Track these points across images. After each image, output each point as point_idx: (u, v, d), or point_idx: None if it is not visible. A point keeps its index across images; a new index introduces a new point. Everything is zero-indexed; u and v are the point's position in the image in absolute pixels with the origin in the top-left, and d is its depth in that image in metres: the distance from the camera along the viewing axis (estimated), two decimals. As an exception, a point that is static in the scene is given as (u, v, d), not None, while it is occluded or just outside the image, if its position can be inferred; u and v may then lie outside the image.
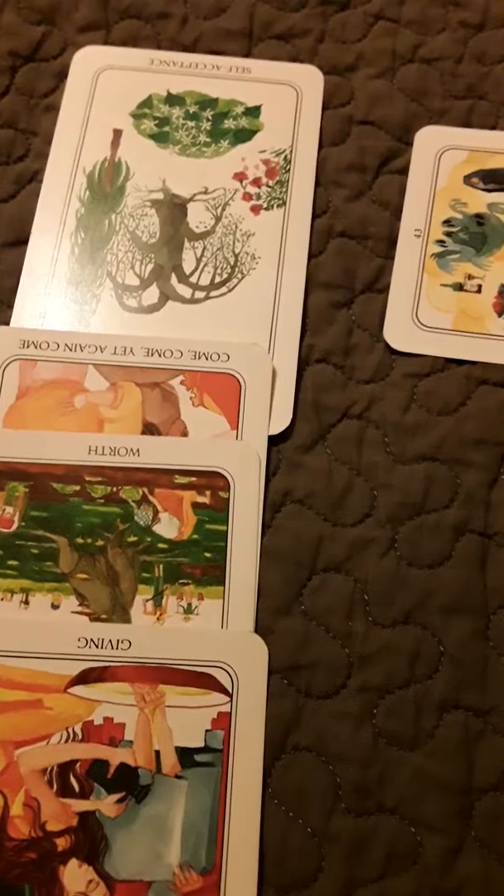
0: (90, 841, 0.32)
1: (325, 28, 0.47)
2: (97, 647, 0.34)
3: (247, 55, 0.46)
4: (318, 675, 0.34)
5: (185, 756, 0.33)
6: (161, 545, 0.36)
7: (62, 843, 0.32)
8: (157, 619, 0.35)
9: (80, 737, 0.33)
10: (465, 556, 0.36)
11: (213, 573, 0.35)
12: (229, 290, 0.41)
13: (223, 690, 0.33)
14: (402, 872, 0.32)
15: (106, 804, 0.32)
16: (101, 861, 0.31)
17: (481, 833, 0.33)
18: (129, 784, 0.32)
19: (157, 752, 0.33)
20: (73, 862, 0.31)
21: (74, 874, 0.31)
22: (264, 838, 0.32)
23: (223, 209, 0.42)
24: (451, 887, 0.32)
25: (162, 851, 0.32)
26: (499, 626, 0.35)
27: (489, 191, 0.43)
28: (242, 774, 0.32)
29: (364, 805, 0.33)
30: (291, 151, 0.44)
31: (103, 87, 0.45)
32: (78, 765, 0.32)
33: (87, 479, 0.36)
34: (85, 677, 0.33)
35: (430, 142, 0.44)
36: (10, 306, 0.40)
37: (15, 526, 0.36)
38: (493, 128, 0.45)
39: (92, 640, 0.34)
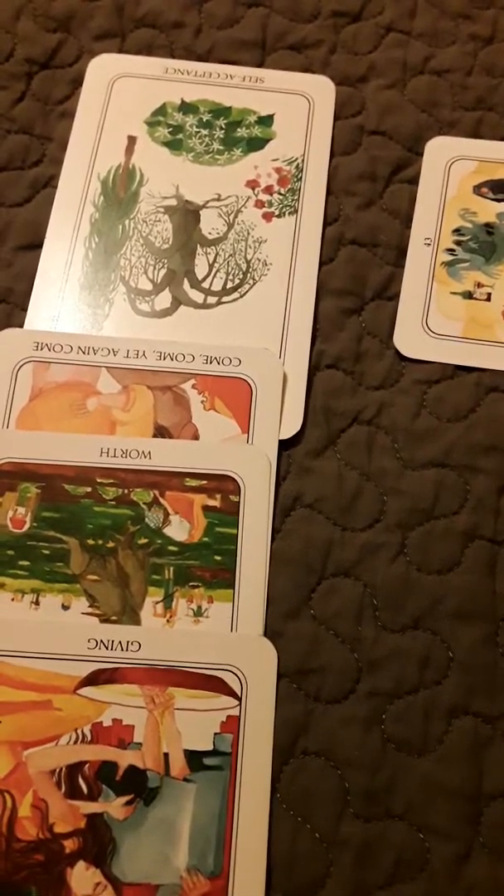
0: (98, 843, 0.32)
1: (337, 39, 0.48)
2: (107, 648, 0.34)
3: (260, 65, 0.47)
4: (327, 680, 0.34)
5: (194, 759, 0.33)
6: (171, 548, 0.36)
7: (70, 845, 0.32)
8: (167, 621, 0.35)
9: (89, 738, 0.33)
10: (475, 563, 0.36)
11: (222, 576, 0.35)
12: (241, 296, 0.41)
13: (232, 694, 0.33)
14: (410, 879, 0.32)
15: (114, 806, 0.32)
16: (109, 864, 0.31)
17: (489, 839, 0.33)
18: (138, 786, 0.32)
19: (166, 755, 0.33)
20: (81, 864, 0.31)
21: (82, 876, 0.31)
22: (272, 843, 0.32)
23: (235, 216, 0.43)
24: (459, 894, 0.32)
25: (170, 855, 0.32)
26: (507, 632, 0.35)
27: (498, 200, 0.43)
28: (251, 778, 0.32)
29: (372, 810, 0.33)
30: (303, 160, 0.44)
31: (118, 94, 0.46)
32: (87, 766, 0.32)
33: (99, 480, 0.37)
34: (94, 679, 0.33)
35: (441, 152, 0.45)
36: (25, 309, 0.40)
37: (27, 526, 0.36)
38: (502, 139, 0.45)
39: (102, 641, 0.34)
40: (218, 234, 0.42)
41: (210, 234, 0.42)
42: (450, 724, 0.34)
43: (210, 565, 0.36)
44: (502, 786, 0.33)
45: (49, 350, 0.39)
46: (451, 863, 0.32)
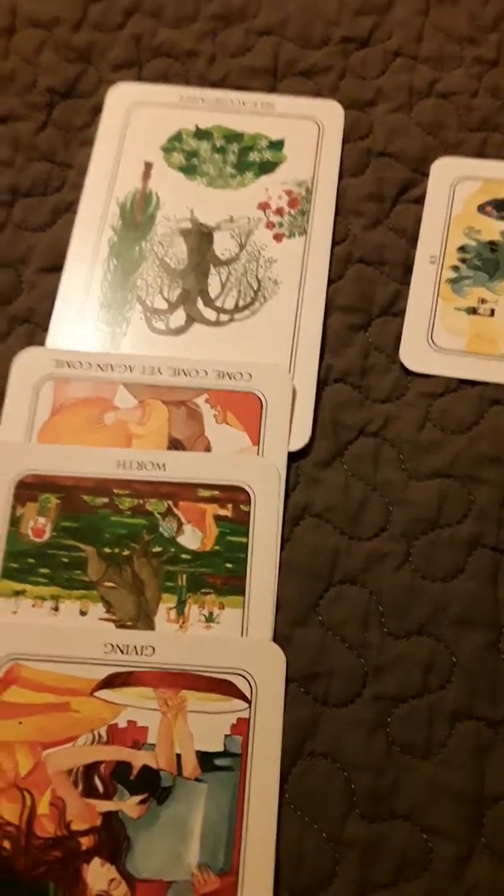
0: (113, 840, 0.33)
1: (346, 65, 0.49)
2: (123, 652, 0.35)
3: (271, 91, 0.48)
4: (334, 684, 0.35)
5: (206, 760, 0.34)
6: (184, 556, 0.37)
7: (86, 842, 0.33)
8: (180, 626, 0.36)
9: (105, 739, 0.34)
10: (478, 571, 0.37)
11: (233, 583, 0.37)
12: (252, 314, 0.42)
13: (242, 697, 0.34)
14: (414, 878, 0.33)
15: (129, 805, 0.33)
16: (123, 860, 0.32)
17: (491, 841, 0.33)
18: (152, 786, 0.33)
19: (179, 756, 0.34)
20: (96, 861, 0.33)
21: (97, 873, 0.32)
22: (280, 842, 0.33)
23: (247, 237, 0.44)
24: (461, 893, 0.33)
25: (182, 852, 0.33)
26: (511, 639, 0.36)
27: (502, 219, 0.44)
28: (260, 779, 0.33)
29: (377, 811, 0.34)
30: (313, 182, 0.46)
31: (136, 122, 0.47)
32: (102, 766, 0.34)
33: (116, 491, 0.38)
34: (111, 682, 0.35)
35: (446, 172, 0.46)
36: (46, 328, 0.42)
37: (47, 535, 0.38)
38: (507, 159, 0.46)
39: (118, 646, 0.35)
40: (230, 254, 0.44)
41: (223, 254, 0.44)
42: (453, 727, 0.35)
43: (221, 573, 0.37)
44: (505, 789, 0.34)
45: (69, 367, 0.41)
46: (453, 863, 0.33)
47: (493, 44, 0.49)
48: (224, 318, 0.42)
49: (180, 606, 0.36)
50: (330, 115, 0.47)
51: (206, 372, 0.40)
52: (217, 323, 0.42)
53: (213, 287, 0.43)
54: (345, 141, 0.47)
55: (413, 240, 0.44)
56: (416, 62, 0.49)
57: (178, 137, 0.47)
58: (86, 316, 0.42)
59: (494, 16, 0.50)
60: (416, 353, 0.41)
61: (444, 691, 0.35)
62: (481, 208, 0.45)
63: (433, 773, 0.34)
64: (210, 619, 0.36)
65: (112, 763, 0.34)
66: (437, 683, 0.36)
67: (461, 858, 0.33)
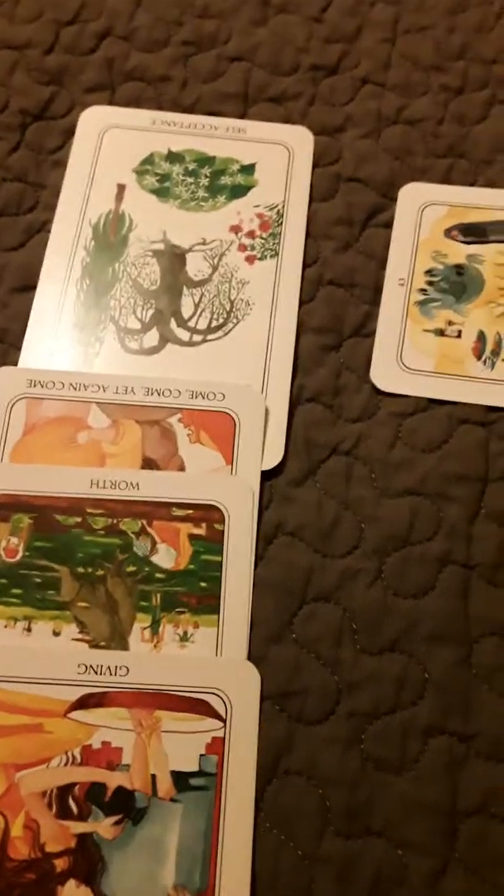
0: (88, 862, 0.33)
1: (316, 91, 0.50)
2: (96, 673, 0.35)
3: (242, 116, 0.49)
4: (308, 702, 0.36)
5: (180, 780, 0.34)
6: (158, 575, 0.37)
7: (61, 864, 0.32)
8: (154, 646, 0.36)
9: (79, 760, 0.34)
10: (449, 587, 0.38)
11: (208, 602, 0.37)
12: (225, 334, 0.43)
13: (217, 716, 0.35)
14: (390, 894, 0.33)
15: (103, 826, 0.33)
16: (99, 882, 0.32)
17: (465, 855, 0.34)
18: (126, 807, 0.33)
19: (153, 776, 0.34)
20: (72, 883, 0.32)
21: (73, 894, 0.32)
22: (256, 860, 0.33)
23: (220, 259, 0.45)
24: (436, 908, 0.33)
25: (157, 873, 0.33)
26: (481, 654, 0.37)
27: (468, 243, 0.45)
28: (235, 798, 0.33)
29: (352, 828, 0.34)
30: (284, 206, 0.46)
31: (108, 144, 0.48)
32: (77, 788, 0.33)
33: (89, 511, 0.38)
34: (84, 702, 0.35)
35: (413, 197, 0.47)
36: (19, 348, 0.42)
37: (19, 556, 0.37)
38: (472, 184, 0.48)
39: (91, 666, 0.35)
40: (203, 276, 0.45)
41: (196, 276, 0.45)
42: (426, 743, 0.35)
43: (196, 591, 0.37)
44: (477, 803, 0.34)
45: (42, 387, 0.41)
46: (428, 878, 0.33)
47: (458, 72, 0.51)
48: (197, 338, 0.43)
49: (154, 626, 0.36)
50: (300, 140, 0.48)
51: (179, 392, 0.41)
52: (190, 343, 0.43)
53: (187, 308, 0.44)
54: (315, 166, 0.48)
55: (382, 263, 0.45)
56: (383, 89, 0.50)
57: (150, 160, 0.48)
58: (59, 336, 0.43)
59: (460, 45, 0.52)
60: (386, 374, 0.42)
61: (417, 707, 0.36)
62: (448, 232, 0.46)
63: (407, 788, 0.34)
64: (184, 638, 0.36)
65: (86, 784, 0.34)
66: (409, 699, 0.36)
67: (436, 873, 0.33)
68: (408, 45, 0.52)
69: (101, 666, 0.35)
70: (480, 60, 0.51)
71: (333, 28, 0.52)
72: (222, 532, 0.38)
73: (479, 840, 0.34)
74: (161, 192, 0.47)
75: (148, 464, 0.39)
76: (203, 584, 0.37)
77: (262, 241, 0.45)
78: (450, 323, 0.43)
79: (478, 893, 0.33)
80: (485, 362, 0.42)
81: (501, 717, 0.36)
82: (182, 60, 0.50)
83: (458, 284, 0.44)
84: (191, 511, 0.38)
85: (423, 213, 0.46)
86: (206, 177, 0.47)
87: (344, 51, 0.51)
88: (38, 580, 0.37)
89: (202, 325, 0.43)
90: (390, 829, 0.34)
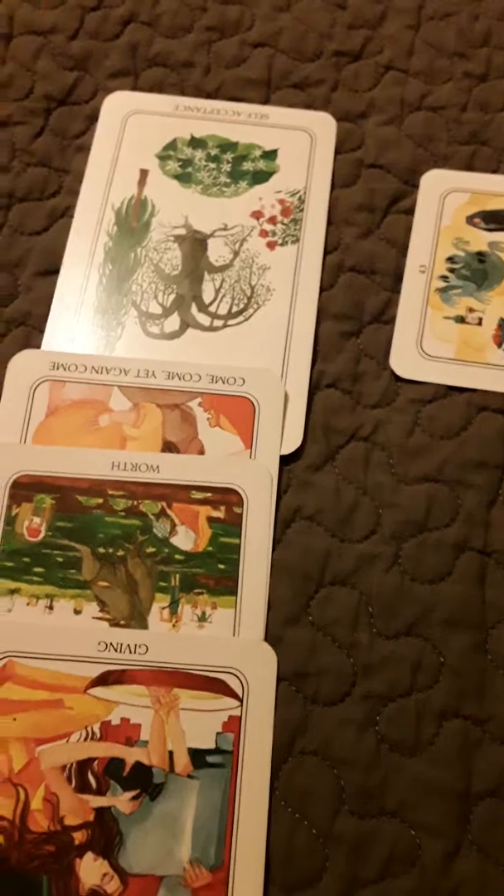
0: (105, 836, 0.33)
1: (339, 78, 0.50)
2: (116, 651, 0.36)
3: (265, 102, 0.49)
4: (324, 683, 0.36)
5: (197, 757, 0.34)
6: (177, 556, 0.38)
7: (79, 837, 0.33)
8: (173, 626, 0.37)
9: (98, 736, 0.34)
10: (465, 573, 0.38)
11: (226, 584, 0.37)
12: (245, 320, 0.43)
13: (234, 695, 0.35)
14: (402, 874, 0.33)
15: (121, 801, 0.34)
16: (116, 855, 0.33)
17: (478, 837, 0.34)
18: (144, 782, 0.34)
19: (171, 753, 0.34)
20: (89, 855, 0.33)
21: (90, 867, 0.33)
22: (271, 838, 0.33)
23: (241, 244, 0.45)
24: (448, 888, 0.33)
25: (173, 847, 0.33)
26: (497, 639, 0.37)
27: (490, 230, 0.45)
28: (251, 776, 0.34)
29: (367, 808, 0.34)
30: (305, 192, 0.46)
31: (131, 130, 0.48)
32: (96, 763, 0.34)
33: (110, 492, 0.39)
34: (104, 679, 0.35)
35: (436, 184, 0.47)
36: (42, 331, 0.43)
37: (42, 535, 0.38)
38: (494, 172, 0.47)
39: (111, 644, 0.36)
40: (224, 261, 0.45)
41: (217, 261, 0.45)
42: (441, 726, 0.36)
43: (214, 573, 0.37)
44: (490, 785, 0.35)
45: (64, 370, 0.41)
46: (440, 859, 0.34)
47: (482, 59, 0.51)
48: (218, 323, 0.43)
49: (173, 606, 0.37)
50: (322, 126, 0.48)
51: (199, 376, 0.41)
52: (211, 328, 0.43)
53: (208, 293, 0.44)
54: (337, 152, 0.48)
55: (403, 250, 0.45)
56: (407, 76, 0.50)
57: (172, 146, 0.48)
58: (81, 319, 0.43)
59: (483, 32, 0.51)
60: (406, 360, 0.42)
61: (432, 690, 0.36)
62: (470, 220, 0.46)
63: (421, 770, 0.35)
64: (203, 618, 0.37)
65: (105, 759, 0.34)
66: (425, 683, 0.36)
67: (449, 854, 0.34)
68: (431, 32, 0.51)
69: (121, 644, 0.36)
70: (505, 47, 0.51)
71: (357, 14, 0.52)
72: (241, 515, 0.38)
73: (493, 823, 0.34)
74: (183, 178, 0.47)
75: (168, 447, 0.40)
76: (221, 567, 0.38)
77: (284, 226, 0.45)
78: (470, 310, 0.43)
79: (490, 875, 0.33)
80: (505, 350, 0.42)
81: (516, 702, 0.36)
82: (205, 46, 0.50)
83: (479, 272, 0.44)
84: (210, 494, 0.39)
85: (446, 200, 0.46)
86: (229, 162, 0.47)
87: (367, 37, 0.51)
88: (60, 559, 0.38)
89: (223, 310, 0.43)
90: (404, 809, 0.34)
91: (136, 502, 0.39)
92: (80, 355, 0.42)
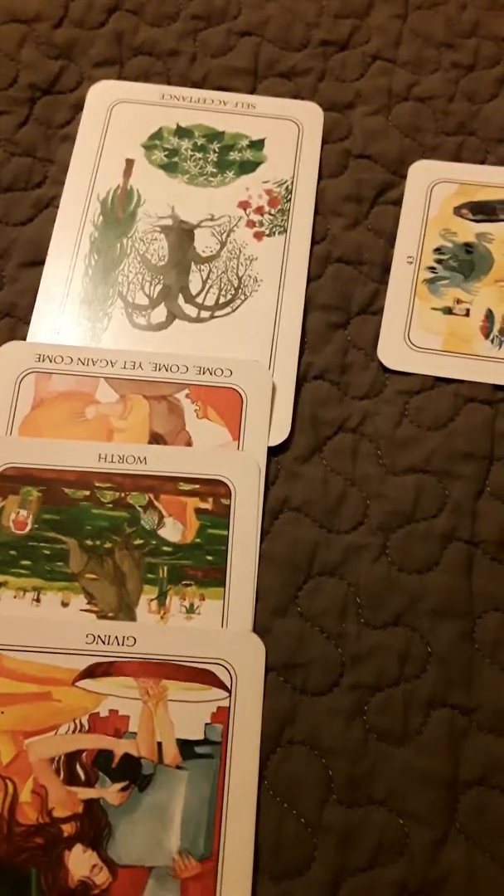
0: (94, 827, 0.33)
1: (326, 67, 0.50)
2: (104, 643, 0.36)
3: (252, 92, 0.49)
4: (312, 674, 0.36)
5: (186, 748, 0.34)
6: (165, 548, 0.38)
7: (68, 829, 0.33)
8: (161, 617, 0.37)
9: (86, 728, 0.34)
10: (453, 563, 0.38)
11: (214, 575, 0.37)
12: (233, 311, 0.43)
13: (222, 686, 0.35)
14: (390, 862, 0.34)
15: (110, 792, 0.34)
16: (105, 847, 0.33)
17: (465, 825, 0.34)
18: (133, 773, 0.34)
19: (160, 744, 0.34)
20: (78, 847, 0.33)
21: (79, 859, 0.33)
22: (260, 828, 0.34)
23: (228, 235, 0.45)
24: (436, 876, 0.33)
25: (162, 838, 0.33)
26: (484, 629, 0.37)
27: (477, 221, 0.45)
28: (240, 766, 0.34)
29: (355, 797, 0.35)
30: (292, 182, 0.46)
31: (117, 119, 0.48)
32: (84, 754, 0.34)
33: (97, 484, 0.39)
34: (92, 671, 0.35)
35: (423, 175, 0.47)
36: (28, 322, 0.42)
37: (28, 528, 0.38)
38: (482, 162, 0.47)
39: (99, 636, 0.36)
40: (211, 252, 0.45)
41: (204, 252, 0.45)
42: (428, 715, 0.36)
43: (202, 565, 0.37)
44: (478, 774, 0.35)
45: (50, 361, 0.41)
46: (428, 847, 0.34)
47: (470, 49, 0.50)
48: (205, 314, 0.43)
49: (161, 598, 0.37)
50: (310, 116, 0.48)
51: (186, 367, 0.41)
52: (198, 319, 0.43)
53: (195, 284, 0.44)
54: (324, 142, 0.48)
55: (391, 240, 0.45)
56: (394, 66, 0.50)
57: (158, 135, 0.47)
58: (67, 311, 0.43)
59: (471, 21, 0.51)
60: (393, 352, 0.42)
61: (420, 680, 0.36)
62: (457, 211, 0.46)
63: (409, 759, 0.35)
64: (191, 610, 0.37)
65: (94, 751, 0.34)
66: (412, 672, 0.36)
67: (436, 842, 0.34)
68: (419, 22, 0.51)
69: (109, 636, 0.36)
70: (492, 38, 0.51)
71: (344, 3, 0.51)
72: (229, 507, 0.38)
73: (480, 811, 0.34)
74: (169, 168, 0.46)
75: (155, 439, 0.40)
76: (209, 558, 0.38)
77: (271, 217, 0.45)
78: (458, 301, 0.43)
79: (477, 863, 0.34)
80: (492, 341, 0.42)
81: (503, 691, 0.36)
82: (191, 35, 0.50)
83: (466, 263, 0.44)
84: (198, 486, 0.39)
85: (433, 191, 0.46)
86: (215, 152, 0.47)
87: (355, 26, 0.51)
88: (47, 552, 0.37)
89: (210, 301, 0.43)
90: (392, 798, 0.34)
91: (123, 494, 0.38)
92: (67, 347, 0.42)
